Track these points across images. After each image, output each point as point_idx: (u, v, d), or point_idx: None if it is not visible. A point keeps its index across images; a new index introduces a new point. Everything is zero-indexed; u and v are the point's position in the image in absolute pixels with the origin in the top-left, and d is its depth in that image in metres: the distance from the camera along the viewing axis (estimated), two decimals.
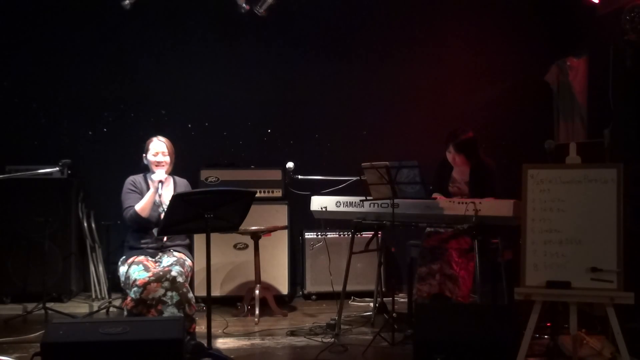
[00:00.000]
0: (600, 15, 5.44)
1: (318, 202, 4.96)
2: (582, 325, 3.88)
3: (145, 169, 4.60)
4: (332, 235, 5.84)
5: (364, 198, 4.59)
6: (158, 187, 4.40)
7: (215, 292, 5.55)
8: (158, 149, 4.53)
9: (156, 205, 4.44)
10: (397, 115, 6.36)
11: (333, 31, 6.37)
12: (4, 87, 6.12)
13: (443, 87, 6.40)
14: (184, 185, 4.66)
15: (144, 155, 4.56)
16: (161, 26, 6.20)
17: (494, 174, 4.76)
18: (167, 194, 4.47)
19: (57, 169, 5.35)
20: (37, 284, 5.47)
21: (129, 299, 4.11)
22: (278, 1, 5.70)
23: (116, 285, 5.17)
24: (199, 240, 5.46)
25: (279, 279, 5.82)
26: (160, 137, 4.59)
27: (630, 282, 3.61)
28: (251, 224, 5.22)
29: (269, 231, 5.48)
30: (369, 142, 6.33)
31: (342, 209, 4.84)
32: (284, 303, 5.77)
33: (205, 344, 3.93)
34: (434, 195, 4.71)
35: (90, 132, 6.23)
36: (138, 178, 4.58)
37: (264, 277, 5.57)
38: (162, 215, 4.33)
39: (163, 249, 4.46)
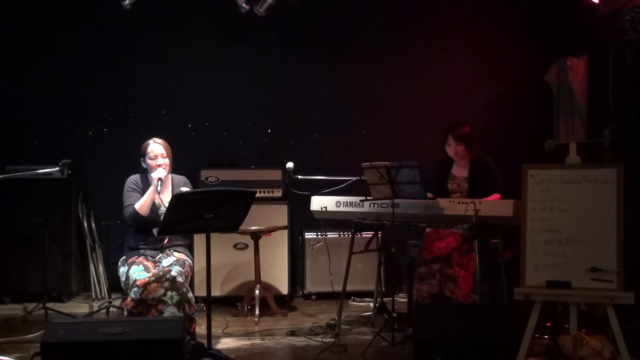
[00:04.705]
0: (600, 15, 5.44)
1: (318, 202, 4.96)
2: (582, 325, 3.88)
3: (145, 170, 4.59)
4: (332, 235, 5.84)
5: (364, 198, 4.59)
6: (157, 185, 4.39)
7: (215, 292, 5.55)
8: (157, 152, 4.49)
9: (156, 206, 4.43)
10: (397, 115, 6.37)
11: (333, 31, 6.37)
12: (4, 87, 6.13)
13: (443, 87, 6.40)
14: (182, 182, 4.65)
15: (142, 159, 4.54)
16: (161, 26, 6.20)
17: (494, 168, 4.79)
18: (166, 194, 4.47)
19: (57, 169, 5.35)
20: (37, 284, 5.47)
21: (129, 299, 4.11)
22: (278, 1, 5.70)
23: (116, 285, 5.17)
24: (199, 240, 5.46)
25: (279, 279, 5.82)
26: (157, 140, 4.55)
27: (630, 282, 3.60)
28: (251, 224, 5.22)
29: (269, 231, 5.48)
30: (369, 142, 6.33)
31: (342, 209, 4.84)
32: (284, 303, 5.77)
33: (205, 344, 3.93)
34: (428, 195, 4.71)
35: (90, 132, 6.23)
36: (139, 178, 4.57)
37: (264, 277, 5.57)
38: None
39: (163, 249, 4.45)
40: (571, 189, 3.72)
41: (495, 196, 4.63)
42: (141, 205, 4.37)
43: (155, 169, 4.46)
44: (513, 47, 6.40)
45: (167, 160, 4.51)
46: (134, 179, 4.55)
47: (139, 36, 6.19)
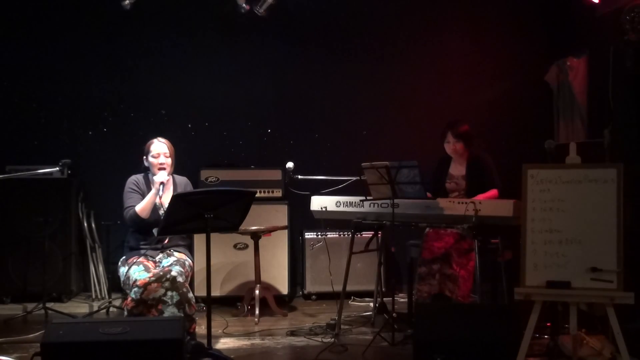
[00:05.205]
0: (600, 15, 5.44)
1: (318, 202, 4.96)
2: (582, 325, 3.88)
3: (147, 169, 4.58)
4: (332, 235, 5.84)
5: (364, 198, 4.59)
6: (159, 189, 4.38)
7: (215, 292, 5.55)
8: (160, 150, 4.49)
9: (156, 207, 4.43)
10: (397, 115, 6.37)
11: (333, 31, 6.37)
12: (4, 87, 6.13)
13: (443, 87, 6.40)
14: (184, 183, 4.65)
15: (144, 157, 4.54)
16: (161, 26, 6.20)
17: (491, 165, 4.80)
18: (167, 195, 4.46)
19: (57, 169, 5.35)
20: (37, 284, 5.48)
21: (129, 299, 4.10)
22: (278, 1, 5.70)
23: (116, 285, 5.17)
24: (199, 240, 5.46)
25: (279, 279, 5.82)
26: (161, 139, 4.55)
27: (630, 282, 3.61)
28: (251, 224, 5.22)
29: (269, 231, 5.48)
30: (369, 142, 6.33)
31: (342, 209, 4.84)
32: (284, 303, 5.77)
33: (205, 344, 3.93)
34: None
35: (90, 132, 6.23)
36: (140, 178, 4.56)
37: (264, 277, 5.57)
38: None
39: (163, 249, 4.45)
40: (571, 189, 3.73)
41: (493, 192, 4.64)
42: (142, 208, 4.36)
43: (157, 167, 4.46)
44: (513, 47, 6.40)
45: (169, 160, 4.50)
46: (134, 179, 4.54)
47: (139, 36, 6.19)
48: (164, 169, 4.47)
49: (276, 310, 5.41)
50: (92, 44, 6.15)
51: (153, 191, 4.40)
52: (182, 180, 4.66)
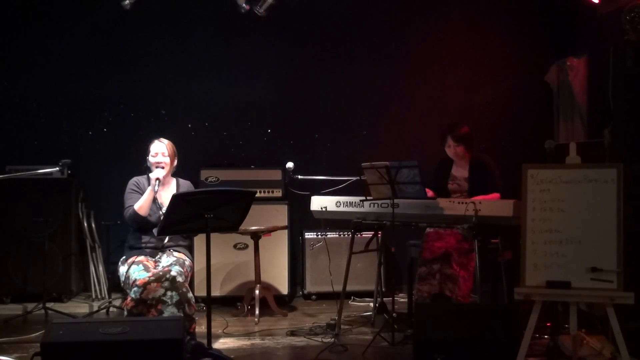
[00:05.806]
0: (600, 15, 5.44)
1: (318, 202, 4.96)
2: (582, 325, 3.88)
3: (148, 171, 4.59)
4: (332, 235, 5.84)
5: (364, 198, 4.59)
6: (155, 185, 4.40)
7: (215, 292, 5.55)
8: (158, 150, 4.53)
9: (157, 207, 4.44)
10: (397, 115, 6.37)
11: (333, 31, 6.37)
12: (4, 87, 6.13)
13: (443, 87, 6.40)
14: (186, 186, 4.66)
15: (147, 157, 4.57)
16: (161, 26, 6.21)
17: (493, 168, 4.80)
18: (169, 196, 4.46)
19: (57, 169, 5.35)
20: (37, 284, 5.48)
21: (129, 298, 4.11)
22: (278, 1, 5.71)
23: (116, 285, 5.17)
24: (199, 240, 5.46)
25: (279, 279, 5.82)
26: (162, 140, 4.59)
27: (630, 282, 3.61)
28: (251, 224, 5.22)
29: (269, 231, 5.48)
30: (369, 142, 6.33)
31: (342, 209, 4.84)
32: (284, 303, 5.77)
33: (205, 344, 3.93)
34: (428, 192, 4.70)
35: (90, 132, 6.23)
36: (141, 179, 4.58)
37: (264, 277, 5.57)
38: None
39: (163, 249, 4.45)
40: (571, 189, 3.72)
41: (495, 195, 4.63)
42: (140, 205, 4.38)
43: (154, 166, 4.50)
44: (513, 47, 6.41)
45: (167, 160, 4.52)
46: (135, 180, 4.57)
47: (139, 36, 6.19)
48: (162, 167, 4.49)
49: (276, 310, 5.41)
50: (92, 43, 6.15)
51: (149, 188, 4.43)
52: (185, 183, 4.69)
